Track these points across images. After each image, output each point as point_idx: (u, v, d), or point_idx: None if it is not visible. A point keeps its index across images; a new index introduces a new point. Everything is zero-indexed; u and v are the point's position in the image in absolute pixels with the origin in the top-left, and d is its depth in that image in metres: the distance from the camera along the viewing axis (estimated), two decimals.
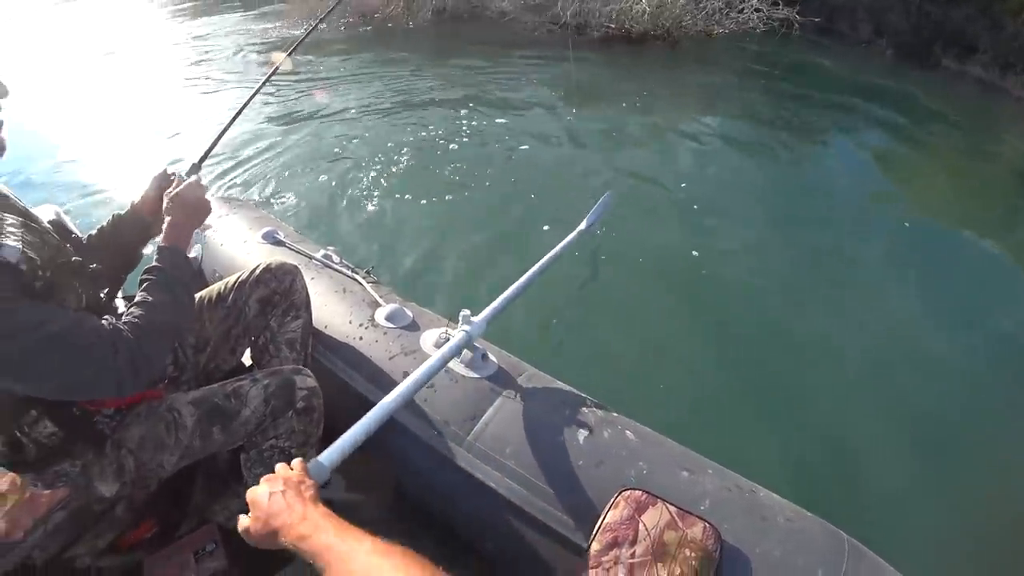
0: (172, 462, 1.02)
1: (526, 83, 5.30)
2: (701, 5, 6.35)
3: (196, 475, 1.25)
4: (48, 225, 0.92)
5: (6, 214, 0.81)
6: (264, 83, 1.35)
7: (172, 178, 1.06)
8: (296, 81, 5.39)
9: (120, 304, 1.03)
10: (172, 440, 1.00)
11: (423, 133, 4.07)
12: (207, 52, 6.67)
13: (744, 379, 1.96)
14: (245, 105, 1.25)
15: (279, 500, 0.61)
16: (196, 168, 1.08)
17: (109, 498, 1.01)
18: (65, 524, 1.07)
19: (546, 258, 1.54)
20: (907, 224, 3.12)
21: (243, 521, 0.64)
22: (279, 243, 1.50)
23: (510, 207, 3.02)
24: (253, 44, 6.94)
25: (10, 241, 0.76)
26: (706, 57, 6.37)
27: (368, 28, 7.57)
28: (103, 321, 0.84)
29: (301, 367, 1.12)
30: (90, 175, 3.62)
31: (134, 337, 0.81)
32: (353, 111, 4.55)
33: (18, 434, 0.86)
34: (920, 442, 1.78)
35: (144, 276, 0.90)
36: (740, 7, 6.30)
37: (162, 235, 0.94)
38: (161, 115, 4.63)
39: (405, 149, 3.77)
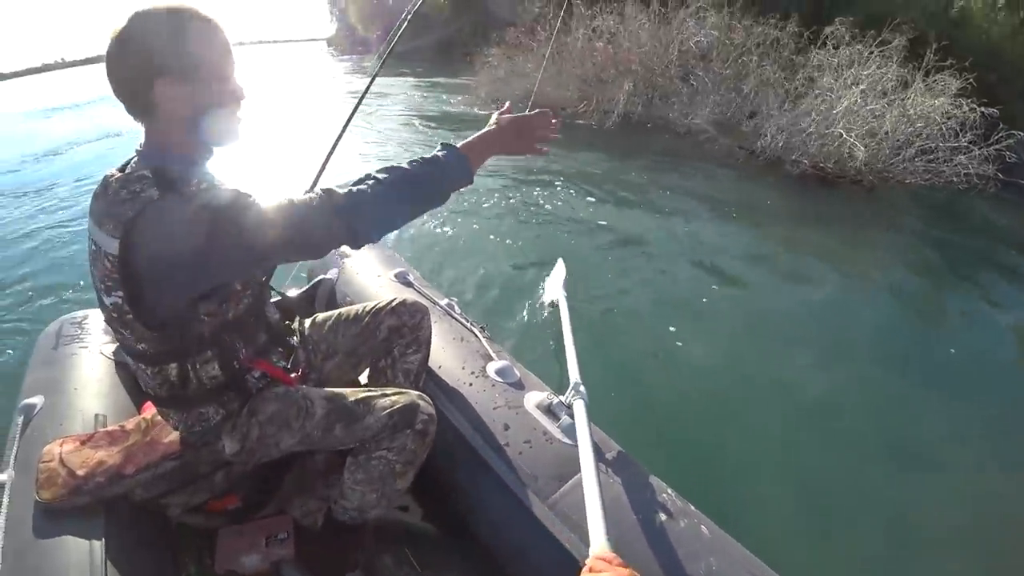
0: (288, 444, 1.13)
1: (705, 207, 5.09)
2: (906, 153, 5.85)
3: (291, 467, 1.35)
4: None
5: None
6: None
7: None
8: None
9: None
10: (298, 424, 1.12)
11: (576, 225, 4.32)
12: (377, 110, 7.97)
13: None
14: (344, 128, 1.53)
15: None
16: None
17: (223, 458, 1.13)
18: (172, 474, 1.17)
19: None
20: None
21: None
22: (408, 284, 1.70)
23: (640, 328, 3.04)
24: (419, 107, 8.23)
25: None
26: (905, 207, 5.71)
27: (554, 120, 8.08)
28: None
29: (424, 395, 1.23)
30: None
31: (372, 185, 0.94)
32: (507, 183, 5.09)
33: (190, 369, 1.00)
34: None
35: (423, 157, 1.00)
36: (952, 161, 5.71)
37: (477, 137, 1.06)
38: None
39: (551, 235, 4.09)
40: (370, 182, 0.95)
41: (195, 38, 0.89)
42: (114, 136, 8.60)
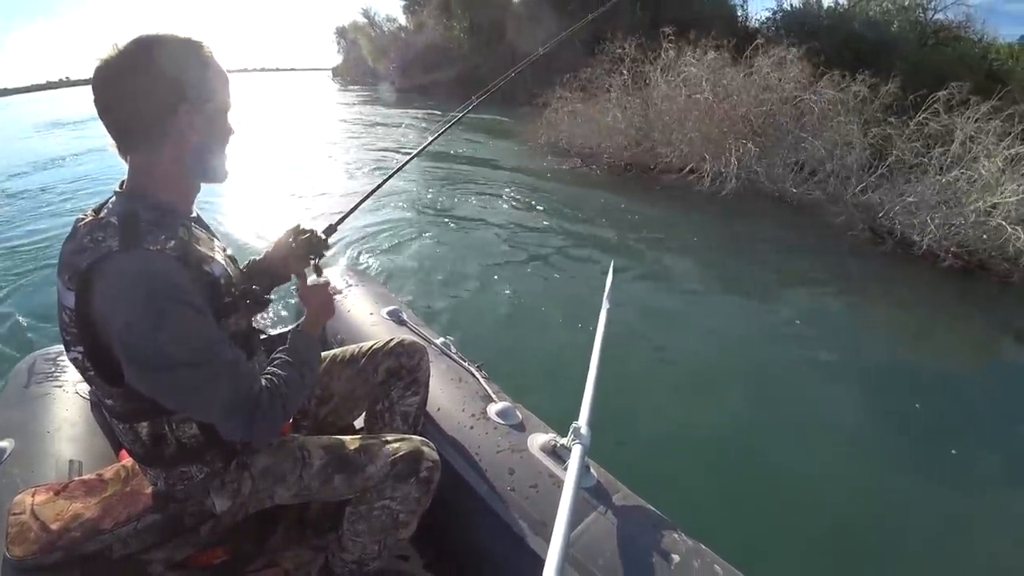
0: (284, 496, 1.09)
1: (806, 294, 4.39)
2: None
3: (283, 515, 1.28)
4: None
5: (215, 240, 1.01)
6: (405, 163, 1.67)
7: (305, 233, 1.22)
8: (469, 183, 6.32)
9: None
10: (294, 477, 1.07)
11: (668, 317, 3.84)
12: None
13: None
14: (381, 184, 1.53)
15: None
16: (331, 231, 1.28)
17: (213, 513, 1.06)
18: (154, 528, 1.09)
19: (598, 350, 1.48)
20: None
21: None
22: (402, 322, 1.67)
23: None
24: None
25: (219, 258, 0.96)
26: None
27: (626, 175, 7.69)
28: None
29: (427, 440, 1.20)
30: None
31: (266, 399, 0.91)
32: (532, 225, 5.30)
33: (166, 428, 0.94)
34: None
35: (281, 354, 1.01)
36: None
37: (303, 321, 1.10)
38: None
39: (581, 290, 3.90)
40: (275, 399, 0.93)
41: (213, 67, 0.89)
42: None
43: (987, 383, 3.37)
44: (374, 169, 8.05)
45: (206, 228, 1.03)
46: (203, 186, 0.98)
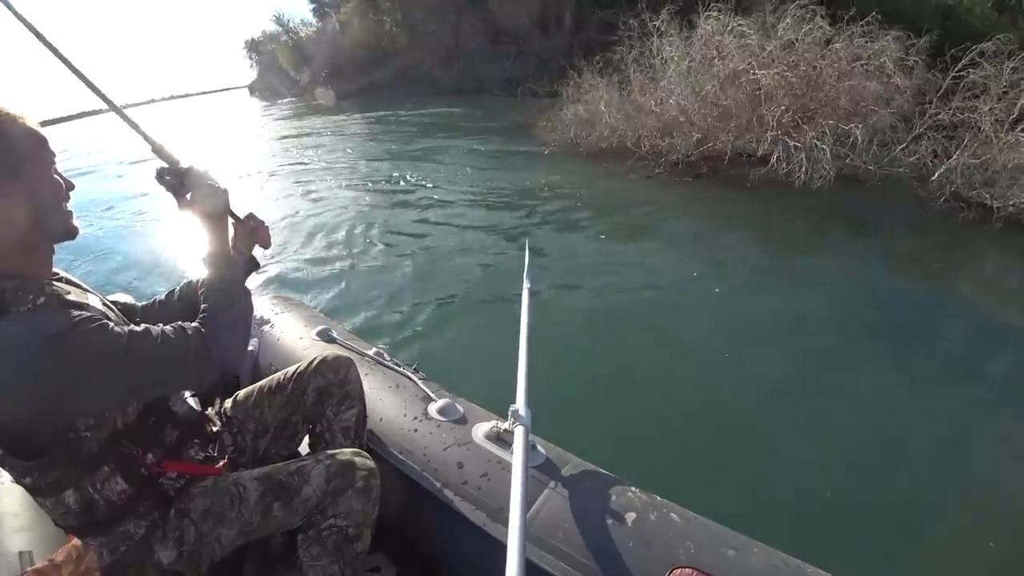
0: (230, 537, 1.06)
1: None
2: None
3: (248, 558, 1.26)
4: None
5: (88, 293, 0.97)
6: None
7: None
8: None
9: None
10: (234, 514, 1.05)
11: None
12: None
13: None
14: None
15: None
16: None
17: (165, 566, 1.04)
18: None
19: (525, 330, 1.43)
20: None
21: None
22: (332, 340, 1.64)
23: None
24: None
25: (96, 304, 0.93)
26: None
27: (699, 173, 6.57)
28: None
29: (360, 450, 1.19)
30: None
31: (205, 326, 0.93)
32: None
33: (91, 491, 0.92)
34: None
35: (205, 289, 1.01)
36: None
37: (206, 242, 1.05)
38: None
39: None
40: (214, 321, 0.96)
41: (12, 134, 0.83)
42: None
43: None
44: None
45: (77, 284, 0.99)
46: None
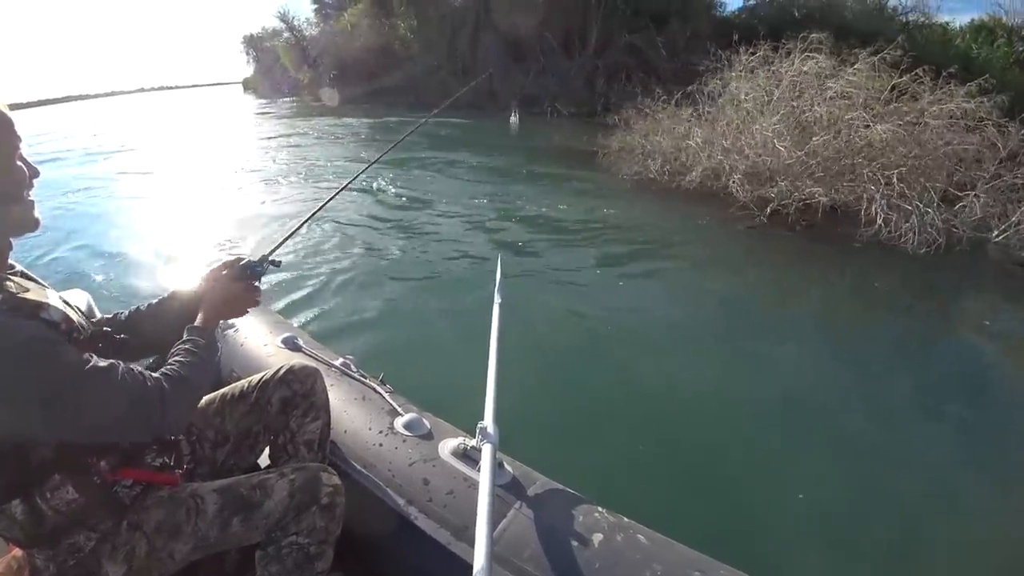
0: (184, 552, 1.02)
1: None
2: None
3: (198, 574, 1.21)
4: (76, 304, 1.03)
5: (47, 289, 0.95)
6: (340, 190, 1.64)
7: (245, 269, 1.14)
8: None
9: None
10: (189, 527, 1.02)
11: None
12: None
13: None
14: (320, 207, 1.49)
15: None
16: (266, 261, 1.18)
17: None
18: None
19: (494, 347, 1.41)
20: None
21: None
22: (298, 348, 1.60)
23: None
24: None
25: (55, 303, 0.89)
26: None
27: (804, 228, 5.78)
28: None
29: (326, 465, 1.17)
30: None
31: (167, 383, 0.89)
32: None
33: (39, 501, 0.87)
34: None
35: (177, 347, 0.98)
36: None
37: (199, 317, 1.04)
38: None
39: None
40: (178, 380, 0.92)
41: None
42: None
43: None
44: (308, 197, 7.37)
45: (34, 280, 0.96)
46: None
